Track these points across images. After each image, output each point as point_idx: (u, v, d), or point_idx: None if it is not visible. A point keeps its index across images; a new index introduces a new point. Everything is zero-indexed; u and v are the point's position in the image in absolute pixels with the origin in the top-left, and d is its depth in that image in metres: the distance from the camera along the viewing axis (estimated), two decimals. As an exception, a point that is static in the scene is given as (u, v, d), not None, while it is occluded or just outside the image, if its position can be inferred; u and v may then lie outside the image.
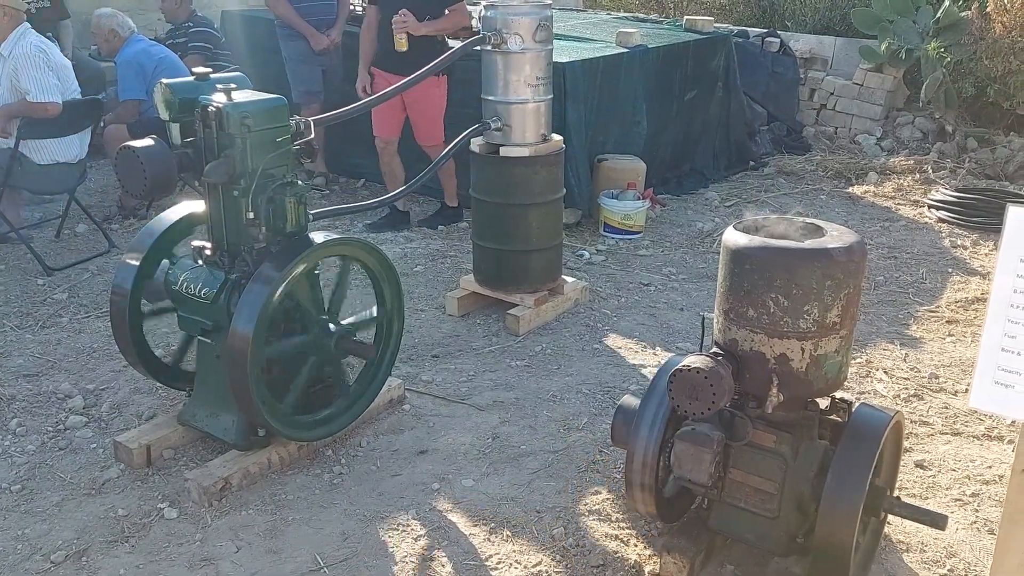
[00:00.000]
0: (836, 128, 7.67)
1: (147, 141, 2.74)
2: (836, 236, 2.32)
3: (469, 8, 6.02)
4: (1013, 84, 6.68)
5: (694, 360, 2.28)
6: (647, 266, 4.91)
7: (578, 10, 9.28)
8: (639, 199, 5.39)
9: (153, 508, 2.77)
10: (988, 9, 6.67)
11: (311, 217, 2.95)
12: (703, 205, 6.02)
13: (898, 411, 2.41)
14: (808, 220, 2.44)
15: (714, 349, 2.43)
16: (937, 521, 2.32)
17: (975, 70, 6.89)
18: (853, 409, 2.40)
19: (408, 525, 2.72)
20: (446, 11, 4.83)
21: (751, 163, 6.90)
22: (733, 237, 2.36)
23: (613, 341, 4.00)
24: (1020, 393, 1.54)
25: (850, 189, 6.30)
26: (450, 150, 3.84)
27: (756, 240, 2.32)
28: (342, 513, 2.76)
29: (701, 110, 6.50)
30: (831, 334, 2.27)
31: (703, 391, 2.23)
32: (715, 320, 2.43)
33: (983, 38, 6.67)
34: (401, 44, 4.81)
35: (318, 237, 2.85)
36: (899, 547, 2.61)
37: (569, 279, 4.42)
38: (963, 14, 6.91)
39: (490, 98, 3.96)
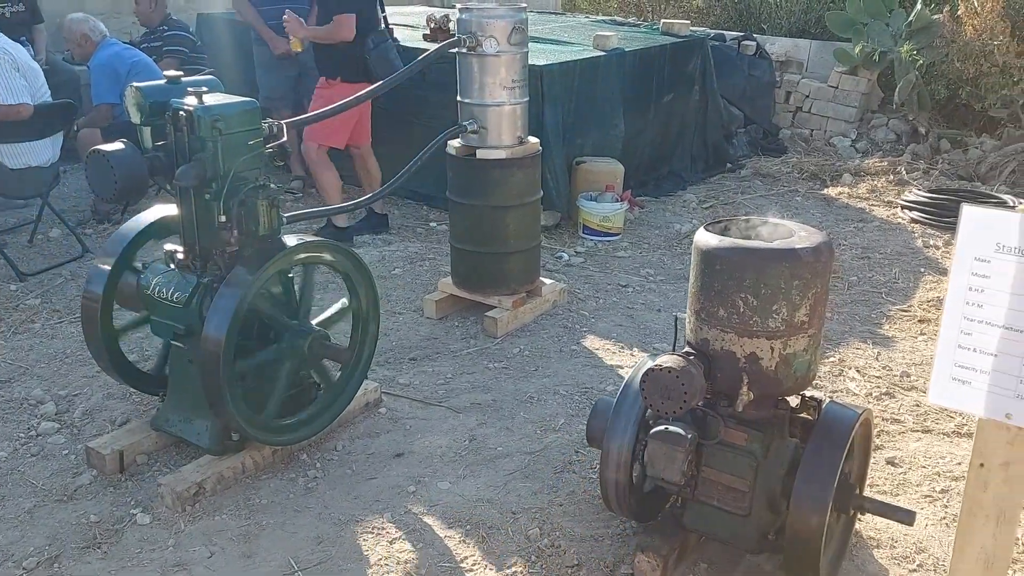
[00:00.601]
0: (812, 130, 7.75)
1: (117, 145, 2.73)
2: (804, 237, 2.35)
3: (446, 11, 6.03)
4: (984, 86, 6.77)
5: (666, 360, 2.30)
6: (625, 267, 4.94)
7: (556, 13, 9.32)
8: (617, 201, 5.42)
9: (126, 514, 2.75)
10: (959, 12, 6.77)
11: (284, 220, 2.94)
12: (681, 207, 6.07)
13: (867, 409, 2.43)
14: (777, 221, 2.47)
15: (686, 349, 2.45)
16: (906, 517, 2.35)
17: (947, 72, 7.00)
18: (823, 407, 2.43)
19: (383, 528, 2.71)
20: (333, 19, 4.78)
21: (728, 165, 6.96)
22: (704, 238, 2.38)
23: (591, 342, 4.01)
24: (977, 389, 1.57)
25: (825, 191, 6.37)
26: (427, 151, 3.84)
27: (726, 241, 2.35)
28: (316, 517, 2.75)
29: (678, 113, 6.54)
30: (800, 333, 2.29)
31: (675, 390, 2.25)
32: (687, 320, 2.46)
33: (954, 41, 6.76)
34: (295, 45, 4.95)
35: (291, 240, 2.85)
36: (870, 543, 2.64)
37: (547, 281, 4.43)
38: (935, 17, 7.01)
39: (466, 100, 3.97)
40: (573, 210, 5.47)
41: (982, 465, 1.60)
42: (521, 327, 4.13)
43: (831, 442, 2.27)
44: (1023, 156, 6.57)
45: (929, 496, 2.87)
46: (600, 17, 9.09)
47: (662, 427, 2.37)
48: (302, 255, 2.91)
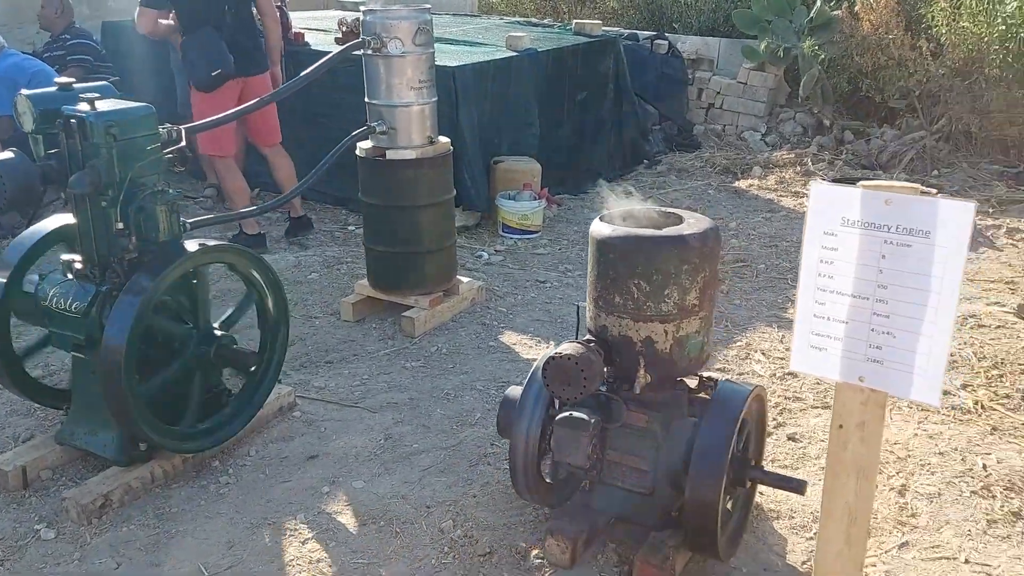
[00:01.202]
0: (724, 126, 7.98)
1: (7, 154, 2.68)
2: (692, 223, 2.45)
3: (357, 15, 6.02)
4: (883, 78, 7.09)
5: (566, 348, 2.37)
6: (544, 264, 5.01)
7: (471, 15, 9.38)
8: (535, 199, 5.50)
9: (29, 530, 2.68)
10: (856, 8, 7.07)
11: (188, 226, 2.91)
12: (599, 203, 6.17)
13: (758, 386, 2.54)
14: (667, 209, 2.57)
15: (587, 336, 2.52)
16: (798, 487, 2.46)
17: (848, 66, 7.29)
18: (718, 386, 2.52)
19: (296, 529, 2.71)
20: None
21: (645, 161, 7.12)
22: (598, 228, 2.47)
23: (508, 338, 4.07)
24: (832, 355, 1.67)
25: (736, 183, 6.58)
26: (334, 154, 3.83)
27: (619, 230, 2.43)
28: (228, 522, 2.73)
29: (593, 111, 6.66)
30: (691, 316, 2.39)
31: (575, 376, 2.33)
32: (588, 309, 2.53)
33: (853, 36, 7.06)
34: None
35: (192, 245, 2.82)
36: (770, 515, 2.75)
37: (465, 279, 4.47)
38: (834, 13, 7.30)
39: (374, 102, 3.99)
40: (492, 209, 5.53)
41: (841, 426, 1.70)
42: (439, 326, 4.16)
43: (723, 418, 2.37)
44: (921, 145, 6.90)
45: (826, 468, 3.00)
46: (514, 18, 9.18)
47: (566, 413, 2.43)
48: (203, 259, 2.88)
